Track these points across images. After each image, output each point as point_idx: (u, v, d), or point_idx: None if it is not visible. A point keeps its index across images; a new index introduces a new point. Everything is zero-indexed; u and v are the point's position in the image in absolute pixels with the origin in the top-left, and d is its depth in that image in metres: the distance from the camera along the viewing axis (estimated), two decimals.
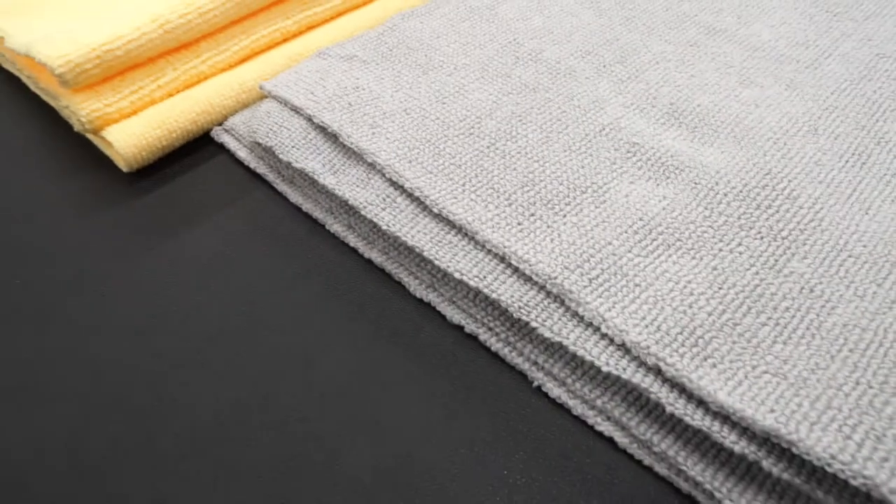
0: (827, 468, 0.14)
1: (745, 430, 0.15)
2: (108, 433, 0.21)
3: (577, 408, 0.19)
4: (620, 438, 0.18)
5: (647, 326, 0.16)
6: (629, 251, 0.18)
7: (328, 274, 0.25)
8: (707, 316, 0.16)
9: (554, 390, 0.19)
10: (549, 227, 0.19)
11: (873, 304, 0.16)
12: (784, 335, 0.16)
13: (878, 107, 0.22)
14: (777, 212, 0.19)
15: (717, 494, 0.16)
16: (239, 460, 0.20)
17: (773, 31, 0.26)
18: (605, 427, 0.18)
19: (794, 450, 0.14)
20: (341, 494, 0.19)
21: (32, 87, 0.33)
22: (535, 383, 0.20)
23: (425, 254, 0.20)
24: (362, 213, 0.22)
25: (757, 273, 0.17)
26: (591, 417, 0.18)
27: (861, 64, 0.25)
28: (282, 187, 0.27)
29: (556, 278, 0.18)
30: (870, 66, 0.25)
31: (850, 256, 0.18)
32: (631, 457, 0.19)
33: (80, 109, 0.28)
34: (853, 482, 0.13)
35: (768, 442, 0.15)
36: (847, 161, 0.20)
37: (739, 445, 0.15)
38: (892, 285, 0.17)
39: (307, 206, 0.26)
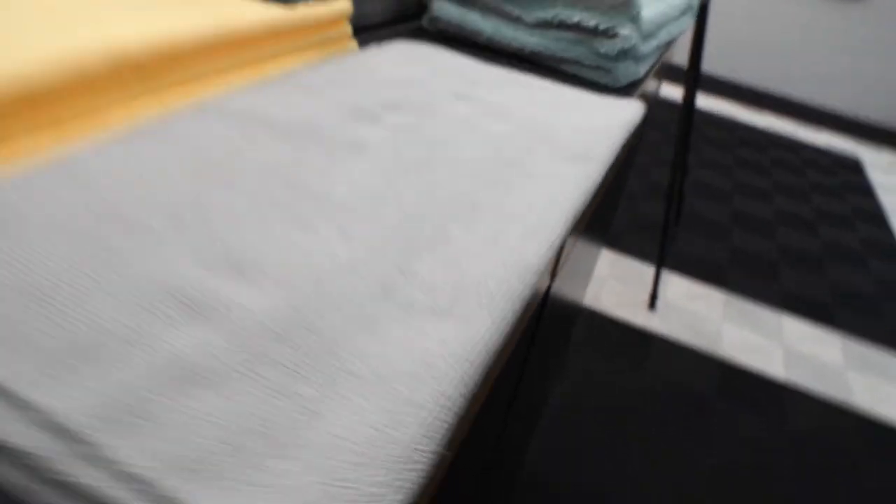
0: None
1: None
2: None
3: None
4: None
5: (161, 460, 0.17)
6: (158, 394, 0.18)
7: None
8: (219, 443, 0.17)
9: None
10: (80, 376, 0.19)
11: None
12: (280, 451, 0.17)
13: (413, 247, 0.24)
14: (293, 342, 0.20)
15: None
16: None
17: (349, 186, 0.28)
18: None
19: None
20: None
21: None
22: None
23: None
24: None
25: (268, 398, 0.18)
26: None
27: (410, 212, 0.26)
28: None
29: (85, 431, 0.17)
30: (416, 214, 0.26)
31: (351, 375, 0.19)
32: None
33: None
34: None
35: None
36: (373, 293, 0.22)
37: None
38: None
39: None
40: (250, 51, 0.33)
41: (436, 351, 0.19)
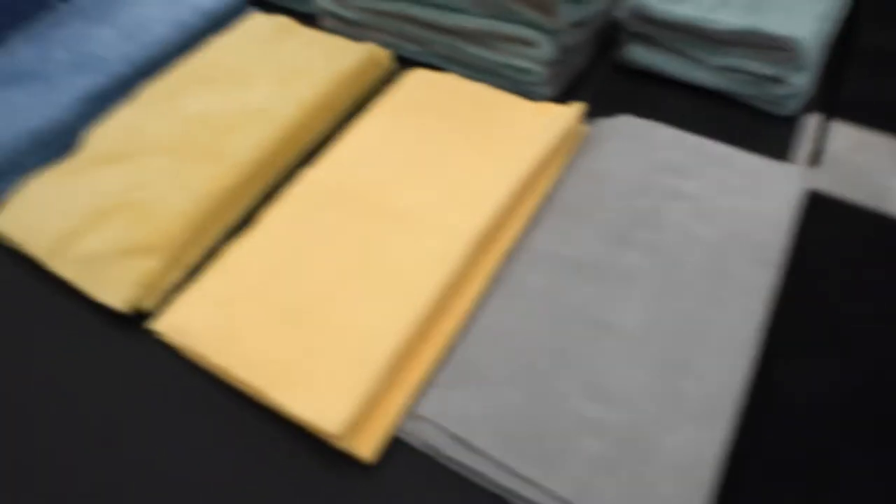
0: None
1: None
2: None
3: None
4: None
5: None
6: (592, 473, 0.37)
7: None
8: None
9: None
10: (554, 465, 0.38)
11: None
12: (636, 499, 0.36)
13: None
14: (632, 440, 0.38)
15: None
16: None
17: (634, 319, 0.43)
18: None
19: None
20: None
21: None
22: None
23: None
24: None
25: (626, 469, 0.37)
26: None
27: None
28: None
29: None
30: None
31: (660, 453, 0.38)
32: None
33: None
34: None
35: None
36: (659, 405, 0.39)
37: None
38: None
39: None
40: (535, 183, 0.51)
41: (695, 447, 0.37)
